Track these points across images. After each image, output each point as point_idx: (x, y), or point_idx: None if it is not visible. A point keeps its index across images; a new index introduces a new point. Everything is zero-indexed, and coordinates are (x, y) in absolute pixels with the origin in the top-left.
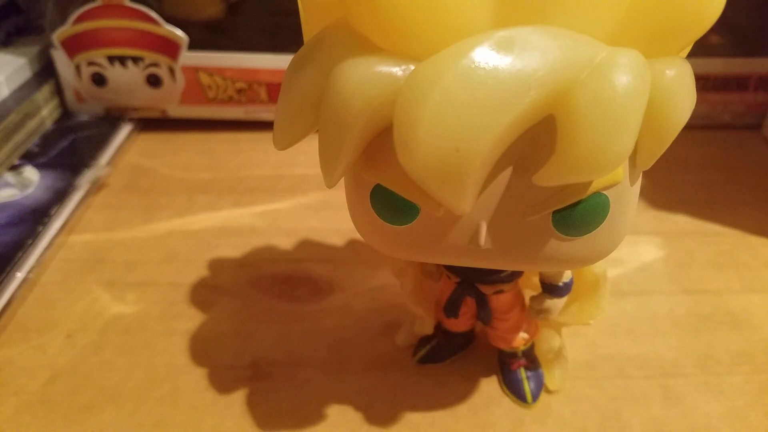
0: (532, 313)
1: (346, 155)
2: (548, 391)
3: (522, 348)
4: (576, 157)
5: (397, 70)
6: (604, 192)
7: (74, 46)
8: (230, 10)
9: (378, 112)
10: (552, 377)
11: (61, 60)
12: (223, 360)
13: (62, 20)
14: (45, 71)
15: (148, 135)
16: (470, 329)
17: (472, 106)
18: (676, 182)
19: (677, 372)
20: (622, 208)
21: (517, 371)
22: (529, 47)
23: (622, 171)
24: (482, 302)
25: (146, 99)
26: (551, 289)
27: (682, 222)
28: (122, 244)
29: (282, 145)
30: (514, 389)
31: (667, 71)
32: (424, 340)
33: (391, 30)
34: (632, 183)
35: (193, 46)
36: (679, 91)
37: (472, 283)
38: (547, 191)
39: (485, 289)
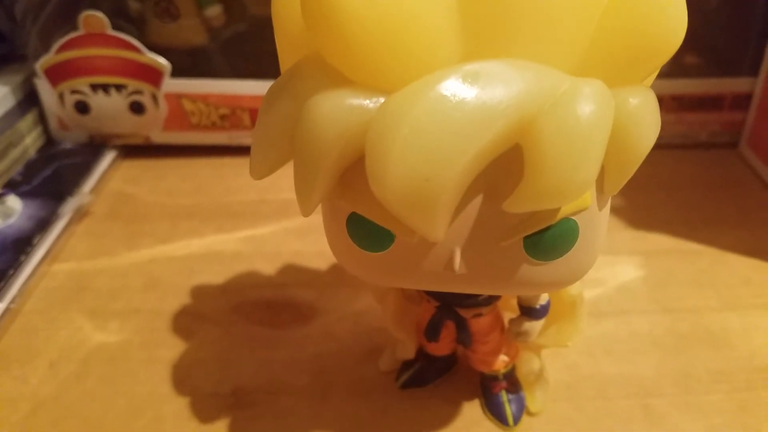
0: (512, 336)
1: (320, 185)
2: (529, 414)
3: (503, 371)
4: (542, 185)
5: (368, 103)
6: (573, 217)
7: (57, 74)
8: (212, 36)
9: (350, 144)
10: (533, 399)
11: (44, 88)
12: (205, 388)
13: (45, 49)
14: (28, 100)
15: (131, 162)
16: (452, 353)
17: (441, 137)
18: (654, 201)
19: (657, 391)
20: (591, 232)
21: (498, 394)
22: (494, 80)
23: (589, 197)
24: (462, 326)
25: (130, 126)
26: (529, 311)
27: (660, 241)
28: (105, 272)
29: (258, 174)
30: (495, 412)
31: (631, 99)
32: (406, 365)
33: (362, 63)
34: (600, 207)
35: (176, 73)
36: (643, 118)
37: (451, 307)
38: (517, 217)
39: (464, 313)
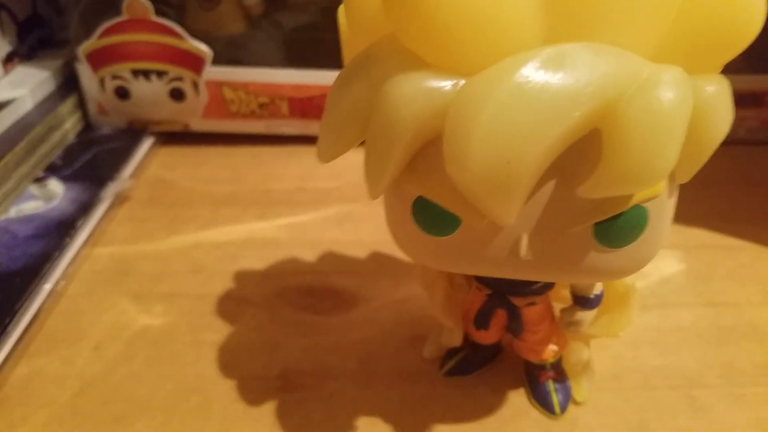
0: (563, 326)
1: (392, 168)
2: (576, 403)
3: (551, 360)
4: (622, 170)
5: (446, 85)
6: (644, 204)
7: (99, 59)
8: (251, 25)
9: (426, 126)
10: (579, 389)
11: (85, 73)
12: (252, 371)
13: (86, 34)
14: (68, 84)
15: (169, 148)
16: (498, 341)
17: (524, 120)
18: (693, 197)
19: (702, 383)
20: (660, 221)
21: (545, 383)
22: (579, 63)
23: (662, 184)
24: (514, 315)
25: (169, 113)
26: (582, 301)
27: (700, 236)
28: (147, 257)
29: (327, 157)
30: (542, 401)
31: (708, 87)
32: (451, 353)
33: (441, 46)
34: (670, 196)
35: (214, 60)
36: (718, 106)
37: (504, 295)
38: (589, 204)
39: (517, 302)
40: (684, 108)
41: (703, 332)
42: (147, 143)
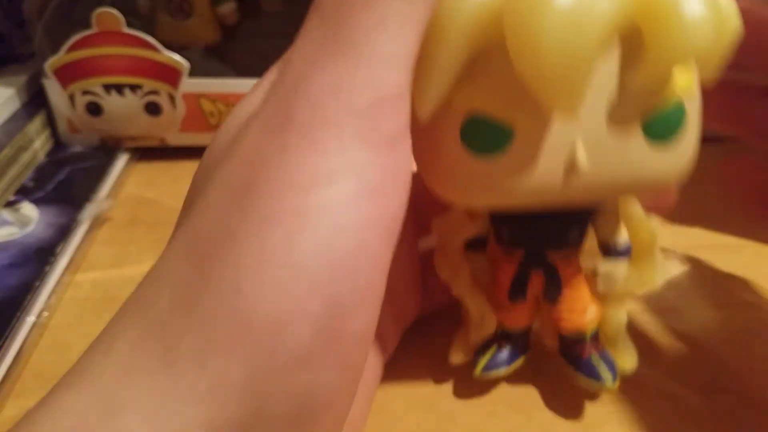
0: (598, 284)
1: (447, 79)
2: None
3: (590, 330)
4: (665, 47)
5: None
6: (682, 101)
7: (68, 75)
8: (226, 34)
9: (481, 31)
10: (625, 358)
11: (53, 89)
12: None
13: (53, 48)
14: (35, 101)
15: (146, 165)
16: (529, 326)
17: (586, 5)
18: (690, 196)
19: (719, 387)
20: (694, 117)
21: (589, 358)
22: None
23: (694, 82)
24: (551, 275)
25: (145, 128)
26: (612, 251)
27: (699, 236)
28: (133, 281)
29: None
30: (590, 374)
31: None
32: (480, 351)
33: None
34: (698, 96)
35: (191, 72)
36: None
37: (538, 254)
38: (638, 99)
39: (554, 256)
40: None
41: (715, 334)
42: (122, 160)
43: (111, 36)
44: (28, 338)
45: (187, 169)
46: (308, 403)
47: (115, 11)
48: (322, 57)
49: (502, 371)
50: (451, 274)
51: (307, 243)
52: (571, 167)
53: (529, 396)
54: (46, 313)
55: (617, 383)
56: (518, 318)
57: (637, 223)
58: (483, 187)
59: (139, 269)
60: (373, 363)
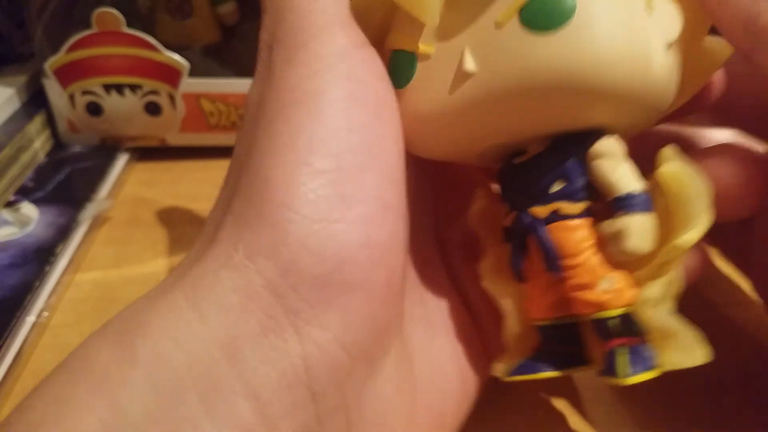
0: (609, 247)
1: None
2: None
3: (615, 308)
4: None
5: None
6: None
7: (68, 75)
8: (226, 34)
9: None
10: (668, 353)
11: (53, 90)
12: None
13: (53, 48)
14: (34, 101)
15: (146, 164)
16: (561, 320)
17: None
18: None
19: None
20: (594, 6)
21: (612, 349)
22: None
23: None
24: (542, 238)
25: (144, 128)
26: (620, 203)
27: None
28: (134, 281)
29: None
30: (605, 368)
31: None
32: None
33: None
34: None
35: (191, 72)
36: None
37: (521, 210)
38: None
39: (540, 212)
40: None
41: (715, 334)
42: (122, 160)
43: (111, 36)
44: (28, 338)
45: (187, 169)
46: (334, 260)
47: (115, 11)
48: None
49: (536, 376)
50: (481, 265)
51: (299, 117)
52: (460, 70)
53: (529, 396)
54: (46, 313)
55: (640, 377)
56: (537, 305)
57: (658, 163)
58: (413, 121)
59: (139, 269)
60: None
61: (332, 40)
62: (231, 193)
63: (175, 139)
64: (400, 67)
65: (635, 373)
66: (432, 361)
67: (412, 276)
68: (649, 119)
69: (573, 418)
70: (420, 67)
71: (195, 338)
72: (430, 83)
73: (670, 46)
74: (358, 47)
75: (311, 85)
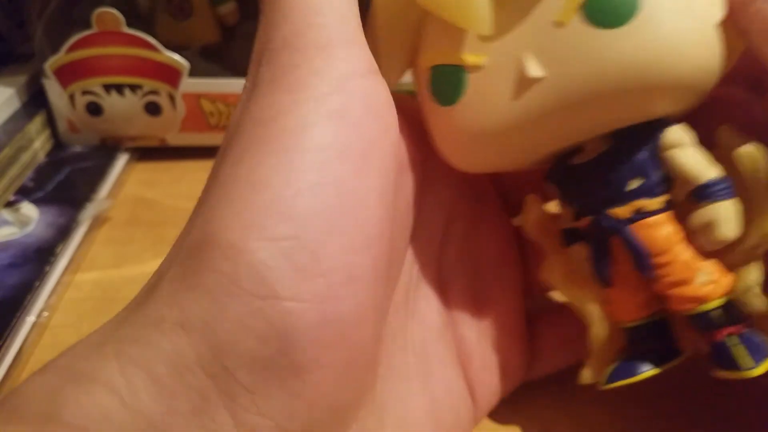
0: (699, 239)
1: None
2: None
3: (713, 303)
4: None
5: None
6: None
7: (68, 75)
8: (226, 34)
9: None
10: None
11: (53, 90)
12: None
13: (53, 48)
14: (34, 101)
15: (146, 164)
16: (648, 319)
17: None
18: None
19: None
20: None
21: (722, 340)
22: None
23: None
24: (629, 240)
25: (144, 128)
26: (702, 190)
27: None
28: (134, 281)
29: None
30: (722, 361)
31: None
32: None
33: None
34: None
35: (191, 72)
36: None
37: (597, 212)
38: None
39: (621, 212)
40: None
41: None
42: (122, 160)
43: (111, 36)
44: (28, 338)
45: (187, 169)
46: (279, 342)
47: (115, 11)
48: None
49: (637, 378)
50: (551, 273)
51: (265, 167)
52: (524, 77)
53: (529, 396)
54: (46, 313)
55: (765, 366)
56: (625, 307)
57: (727, 149)
58: (469, 138)
59: (139, 269)
60: (465, 410)
61: (329, 65)
62: (186, 235)
63: (175, 139)
64: (445, 84)
65: (759, 362)
66: (406, 416)
67: (398, 318)
68: (700, 100)
69: (573, 419)
70: (472, 79)
71: (124, 411)
72: (488, 95)
73: (718, 25)
74: (359, 76)
75: (290, 120)
